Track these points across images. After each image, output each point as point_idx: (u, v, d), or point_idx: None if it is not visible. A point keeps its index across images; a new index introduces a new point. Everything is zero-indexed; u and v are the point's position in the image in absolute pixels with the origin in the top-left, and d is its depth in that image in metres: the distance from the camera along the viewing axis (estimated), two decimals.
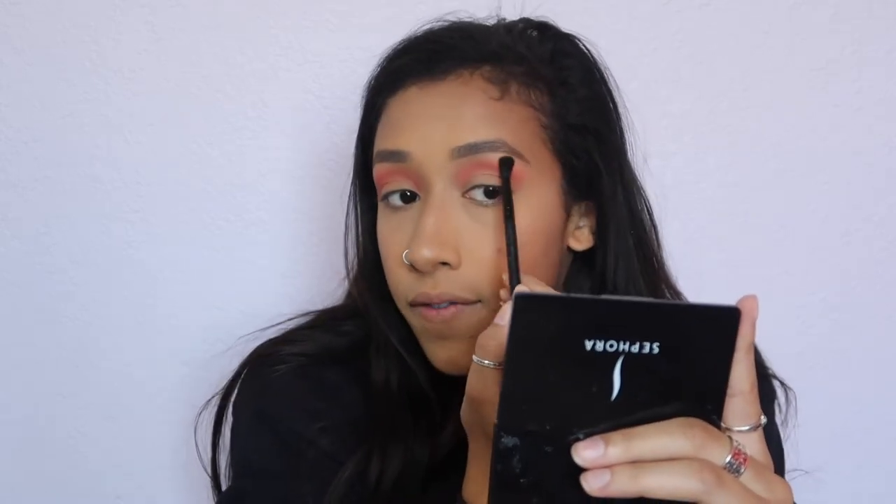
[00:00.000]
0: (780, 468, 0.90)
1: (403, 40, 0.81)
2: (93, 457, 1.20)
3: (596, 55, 0.83)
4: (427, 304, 0.76)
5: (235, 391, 0.87)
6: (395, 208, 0.78)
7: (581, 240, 0.81)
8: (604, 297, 0.50)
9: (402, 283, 0.78)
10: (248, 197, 1.16)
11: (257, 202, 1.17)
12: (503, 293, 0.72)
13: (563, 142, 0.77)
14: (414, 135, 0.75)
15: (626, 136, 0.84)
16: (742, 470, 0.53)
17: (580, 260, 0.83)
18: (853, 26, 1.17)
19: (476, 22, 0.82)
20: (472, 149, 0.73)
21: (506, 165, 0.73)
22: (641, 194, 0.84)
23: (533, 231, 0.74)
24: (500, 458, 0.52)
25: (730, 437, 0.53)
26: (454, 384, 0.79)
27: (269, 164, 1.16)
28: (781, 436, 0.93)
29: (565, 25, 0.83)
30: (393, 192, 0.77)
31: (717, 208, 1.19)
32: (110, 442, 1.20)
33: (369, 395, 0.84)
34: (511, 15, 0.85)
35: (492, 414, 0.52)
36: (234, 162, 1.16)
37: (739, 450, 0.53)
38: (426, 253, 0.73)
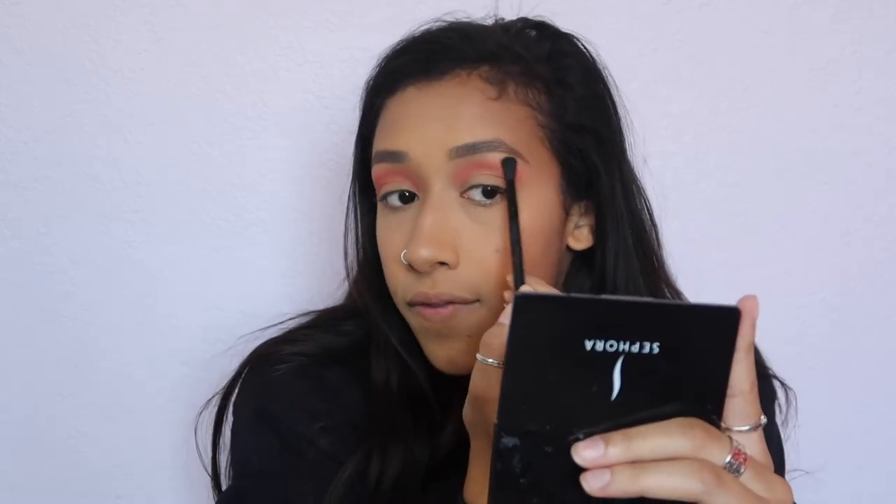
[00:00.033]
0: (780, 468, 0.90)
1: (401, 41, 0.81)
2: (93, 457, 1.20)
3: (594, 54, 0.83)
4: (425, 304, 0.76)
5: (236, 391, 0.87)
6: (394, 208, 0.78)
7: (580, 239, 0.81)
8: (604, 296, 0.50)
9: (400, 283, 0.78)
10: (248, 197, 1.16)
11: (257, 202, 1.17)
12: (507, 294, 0.72)
13: (561, 141, 0.77)
14: (412, 135, 0.75)
15: (626, 136, 0.84)
16: (742, 470, 0.53)
17: (580, 259, 0.83)
18: (853, 26, 1.17)
19: (474, 22, 0.82)
20: (469, 149, 0.73)
21: (509, 166, 0.73)
22: (641, 193, 0.84)
23: (532, 230, 0.74)
24: (500, 457, 0.52)
25: (730, 437, 0.53)
26: (454, 384, 0.79)
27: (269, 164, 1.16)
28: (782, 436, 0.93)
29: (565, 25, 0.83)
30: (391, 193, 0.78)
31: (717, 208, 1.19)
32: (110, 442, 1.20)
33: (369, 395, 0.84)
34: (511, 15, 0.85)
35: (495, 413, 0.52)
36: (234, 162, 1.16)
37: (739, 450, 0.53)
38: (424, 253, 0.73)
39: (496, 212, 0.74)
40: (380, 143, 0.78)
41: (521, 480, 0.52)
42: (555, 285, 0.80)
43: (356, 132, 0.84)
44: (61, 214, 1.16)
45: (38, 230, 1.16)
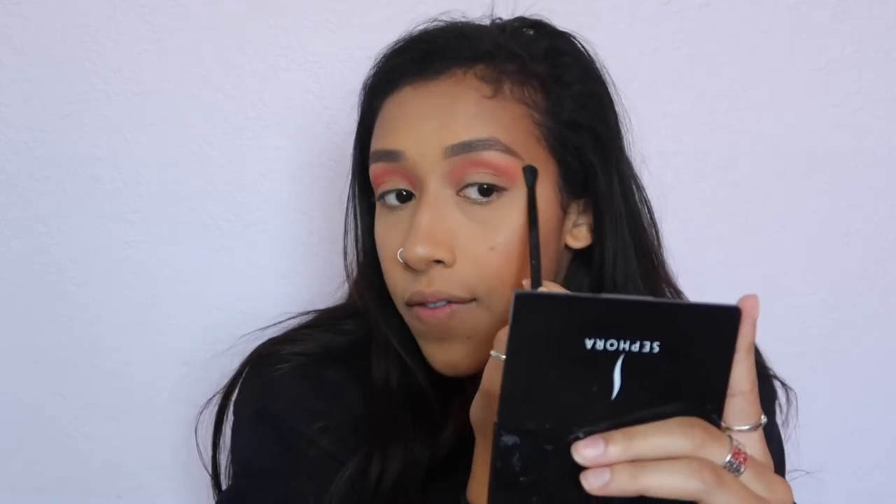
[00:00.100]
0: (780, 468, 0.90)
1: (398, 41, 0.81)
2: (93, 457, 1.20)
3: (592, 53, 0.83)
4: (422, 304, 0.76)
5: (236, 390, 0.87)
6: (391, 208, 0.78)
7: (579, 237, 0.81)
8: (604, 296, 0.50)
9: (398, 283, 0.78)
10: (248, 197, 1.16)
11: (257, 202, 1.17)
12: None
13: (557, 139, 0.77)
14: (408, 134, 0.75)
15: (624, 134, 0.84)
16: (742, 469, 0.53)
17: (579, 258, 0.83)
18: (853, 26, 1.17)
19: (471, 22, 0.83)
20: (465, 147, 0.73)
21: (530, 174, 0.73)
22: (640, 192, 0.84)
23: (527, 227, 0.74)
24: (499, 456, 0.52)
25: (730, 437, 0.53)
26: (454, 384, 0.79)
27: (269, 164, 1.16)
28: (782, 436, 0.93)
29: (566, 25, 0.83)
30: (389, 192, 0.78)
31: (717, 208, 1.19)
32: (110, 442, 1.20)
33: (369, 395, 0.84)
34: (511, 14, 0.85)
35: None
36: (234, 162, 1.16)
37: (739, 449, 0.53)
38: (420, 251, 0.73)
39: (492, 210, 0.74)
40: (377, 143, 0.78)
41: (521, 479, 0.52)
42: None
43: (355, 132, 0.84)
44: (61, 214, 1.16)
45: (38, 230, 1.16)
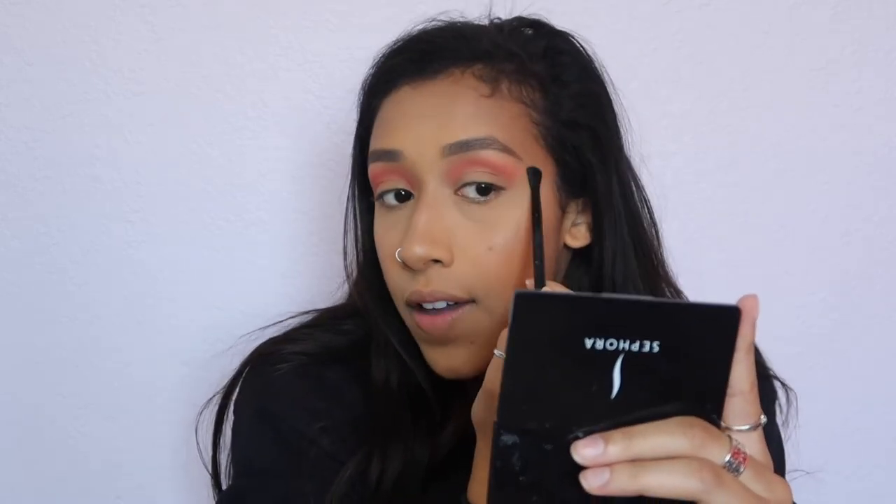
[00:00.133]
0: (780, 469, 0.90)
1: (397, 41, 0.81)
2: (93, 457, 1.20)
3: (591, 52, 0.83)
4: (420, 306, 0.77)
5: (237, 390, 0.88)
6: (390, 207, 0.78)
7: (578, 237, 0.81)
8: (604, 295, 0.50)
9: (397, 282, 0.78)
10: (248, 197, 1.16)
11: (257, 202, 1.17)
12: None
13: (555, 138, 0.77)
14: (406, 134, 0.76)
15: (623, 133, 0.84)
16: (741, 469, 0.53)
17: (578, 257, 0.83)
18: (853, 26, 1.17)
19: (469, 21, 0.83)
20: (462, 146, 0.74)
21: (534, 176, 0.73)
22: (639, 191, 0.84)
23: (526, 227, 0.74)
24: (499, 455, 0.52)
25: (729, 437, 0.53)
26: (454, 384, 0.79)
27: (269, 164, 1.16)
28: (782, 436, 0.93)
29: (565, 25, 0.83)
30: (388, 192, 0.78)
31: (717, 208, 1.19)
32: (110, 442, 1.20)
33: (370, 395, 0.84)
34: (509, 14, 0.85)
35: None
36: (234, 162, 1.16)
37: (739, 449, 0.53)
38: (417, 250, 0.73)
39: (490, 209, 0.74)
40: (375, 143, 0.78)
41: (521, 478, 0.52)
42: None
43: (354, 132, 0.84)
44: (61, 214, 1.16)
45: (38, 230, 1.16)
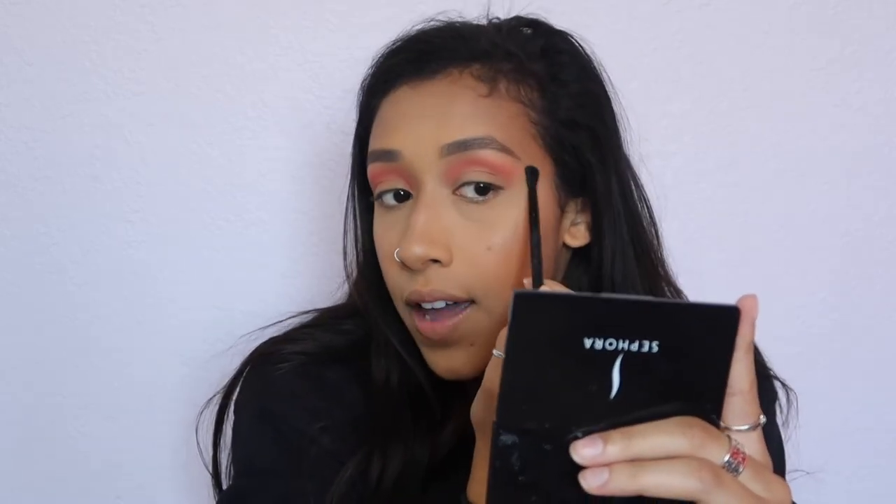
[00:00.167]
0: (781, 469, 0.90)
1: (395, 41, 0.81)
2: (93, 457, 1.20)
3: (589, 51, 0.83)
4: (420, 306, 0.77)
5: (237, 390, 0.88)
6: (389, 207, 0.78)
7: (577, 236, 0.81)
8: (603, 295, 0.50)
9: (396, 282, 0.78)
10: (248, 197, 1.16)
11: (257, 202, 1.17)
12: None
13: (554, 137, 0.77)
14: (404, 134, 0.76)
15: (622, 133, 0.84)
16: (741, 469, 0.53)
17: (578, 256, 0.83)
18: (853, 26, 1.17)
19: (468, 21, 0.83)
20: (460, 146, 0.74)
21: (532, 175, 0.73)
22: (639, 190, 0.84)
23: (525, 227, 0.74)
24: (498, 455, 0.52)
25: (729, 437, 0.53)
26: (455, 384, 0.79)
27: (269, 164, 1.16)
28: (782, 436, 0.93)
29: (564, 25, 0.83)
30: (386, 192, 0.78)
31: (717, 208, 1.19)
32: (110, 442, 1.20)
33: (370, 395, 0.84)
34: (510, 13, 0.85)
35: None
36: (234, 162, 1.16)
37: (738, 449, 0.53)
38: (416, 250, 0.73)
39: (489, 209, 0.75)
40: (374, 143, 0.78)
41: (520, 478, 0.52)
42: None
43: (354, 132, 0.84)
44: (61, 214, 1.16)
45: (38, 230, 1.16)
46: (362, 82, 0.83)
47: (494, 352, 0.63)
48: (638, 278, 0.81)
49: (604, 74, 0.83)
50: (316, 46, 1.15)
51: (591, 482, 0.50)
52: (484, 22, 0.83)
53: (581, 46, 0.82)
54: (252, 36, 1.14)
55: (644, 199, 0.85)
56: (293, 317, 0.91)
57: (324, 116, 1.15)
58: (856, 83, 1.18)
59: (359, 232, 0.87)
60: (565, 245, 0.81)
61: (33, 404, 1.19)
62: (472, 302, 0.76)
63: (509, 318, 0.49)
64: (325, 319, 0.91)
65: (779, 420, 0.94)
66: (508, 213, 0.74)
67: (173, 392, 1.18)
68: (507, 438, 0.51)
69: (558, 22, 0.83)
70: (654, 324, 0.50)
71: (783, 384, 0.94)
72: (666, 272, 0.87)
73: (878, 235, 1.21)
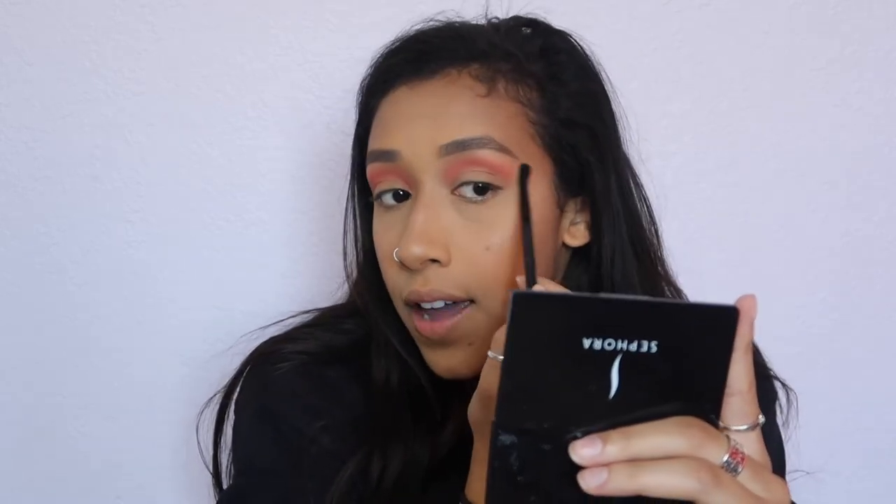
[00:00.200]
0: (781, 469, 0.90)
1: (394, 41, 0.82)
2: (93, 457, 1.20)
3: (588, 51, 0.83)
4: (419, 306, 0.77)
5: (237, 389, 0.88)
6: (388, 207, 0.78)
7: (577, 235, 0.81)
8: (602, 295, 0.50)
9: (395, 282, 0.78)
10: (248, 197, 1.16)
11: (257, 202, 1.17)
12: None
13: (553, 137, 0.77)
14: (403, 134, 0.76)
15: (622, 132, 0.84)
16: (739, 469, 0.53)
17: (578, 256, 0.83)
18: (853, 26, 1.17)
19: (467, 21, 0.83)
20: (459, 146, 0.74)
21: (524, 173, 0.73)
22: (638, 190, 0.84)
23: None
24: (497, 455, 0.52)
25: (727, 437, 0.53)
26: (455, 384, 0.79)
27: (269, 164, 1.16)
28: (783, 436, 0.93)
29: (565, 25, 0.83)
30: (386, 192, 0.78)
31: (717, 208, 1.19)
32: (110, 442, 1.20)
33: (370, 394, 0.84)
34: (507, 14, 0.85)
35: None
36: (234, 162, 1.16)
37: (737, 449, 0.53)
38: (415, 250, 0.73)
39: (487, 209, 0.75)
40: (373, 143, 0.79)
41: (519, 478, 0.52)
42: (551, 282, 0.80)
43: (353, 132, 0.84)
44: (61, 214, 1.16)
45: (38, 230, 1.16)
46: (361, 82, 0.83)
47: (490, 353, 0.63)
48: (637, 277, 0.81)
49: (603, 74, 0.83)
50: (316, 46, 1.15)
51: (589, 482, 0.50)
52: (483, 22, 0.83)
53: (580, 46, 0.82)
54: (252, 36, 1.14)
55: (644, 199, 0.85)
56: (294, 316, 0.92)
57: (324, 116, 1.15)
58: (856, 83, 1.18)
59: (359, 232, 0.87)
60: (565, 245, 0.81)
61: (33, 404, 1.19)
62: (470, 301, 0.76)
63: (508, 319, 0.49)
64: (325, 319, 0.91)
65: (779, 420, 0.94)
66: (507, 212, 0.74)
67: (173, 392, 1.18)
68: (506, 438, 0.51)
69: (558, 22, 0.83)
70: (653, 324, 0.50)
71: (783, 384, 0.94)
72: (666, 271, 0.87)
73: (878, 235, 1.21)
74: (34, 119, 1.14)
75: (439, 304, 0.76)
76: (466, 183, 0.74)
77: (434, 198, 0.75)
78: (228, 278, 1.17)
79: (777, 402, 0.94)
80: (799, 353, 1.20)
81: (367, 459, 0.79)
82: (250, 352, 0.88)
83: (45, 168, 1.15)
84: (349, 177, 0.86)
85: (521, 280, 0.70)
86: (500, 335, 0.63)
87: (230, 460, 0.89)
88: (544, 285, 0.68)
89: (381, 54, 0.82)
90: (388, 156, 0.76)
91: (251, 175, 1.16)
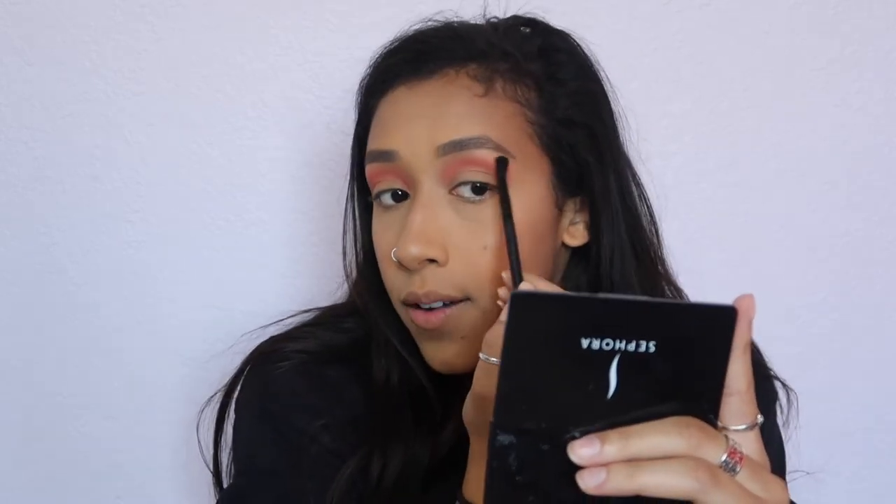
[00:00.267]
0: (781, 469, 0.90)
1: (393, 41, 0.82)
2: (93, 457, 1.20)
3: (587, 50, 0.83)
4: (416, 305, 0.77)
5: (238, 388, 0.88)
6: (387, 207, 0.79)
7: (576, 235, 0.81)
8: (600, 295, 0.50)
9: (393, 282, 0.78)
10: (248, 197, 1.16)
11: (257, 202, 1.17)
12: (503, 292, 0.72)
13: (551, 137, 0.77)
14: (401, 134, 0.76)
15: (622, 132, 0.84)
16: (738, 469, 0.52)
17: (577, 256, 0.83)
18: (853, 26, 1.17)
19: (465, 21, 0.83)
20: (456, 146, 0.74)
21: (502, 165, 0.73)
22: (638, 189, 0.84)
23: (522, 226, 0.73)
24: (495, 455, 0.52)
25: (726, 436, 0.53)
26: (455, 383, 0.79)
27: (269, 164, 1.16)
28: (783, 437, 0.93)
29: (565, 25, 0.83)
30: (384, 192, 0.78)
31: (717, 208, 1.19)
32: (110, 442, 1.20)
33: (370, 394, 0.84)
34: (506, 13, 0.85)
35: None
36: (234, 162, 1.16)
37: (735, 449, 0.53)
38: (413, 250, 0.74)
39: (485, 209, 0.75)
40: (372, 143, 0.79)
41: (517, 478, 0.52)
42: (550, 281, 0.80)
43: (353, 132, 0.84)
44: (61, 214, 1.16)
45: (38, 230, 1.16)
46: (360, 82, 0.83)
47: (481, 355, 0.63)
48: (636, 277, 0.81)
49: (602, 73, 0.83)
50: (316, 46, 1.15)
51: (588, 482, 0.50)
52: (481, 21, 0.83)
53: (579, 45, 0.82)
54: (252, 36, 1.14)
55: (644, 198, 0.85)
56: (294, 315, 0.92)
57: (324, 116, 1.15)
58: (856, 83, 1.18)
59: (358, 232, 0.87)
60: (564, 244, 0.81)
61: (33, 404, 1.19)
62: (466, 299, 0.76)
63: (506, 318, 0.49)
64: (326, 318, 0.91)
65: (779, 420, 0.93)
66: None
67: (173, 392, 1.18)
68: (505, 438, 0.51)
69: (558, 22, 0.83)
70: (651, 324, 0.50)
71: (783, 384, 0.94)
72: (666, 271, 0.87)
73: (878, 235, 1.21)
74: (34, 119, 1.14)
75: (437, 304, 0.76)
76: (464, 183, 0.74)
77: (432, 198, 0.75)
78: (228, 278, 1.17)
79: (777, 402, 0.94)
80: (799, 353, 1.20)
81: (368, 459, 0.79)
82: (250, 351, 0.88)
83: (45, 168, 1.15)
84: (349, 177, 0.86)
85: (506, 276, 0.70)
86: (492, 337, 0.64)
87: (230, 460, 0.89)
88: (531, 281, 0.68)
89: (380, 54, 0.82)
90: (386, 156, 0.76)
91: (251, 175, 1.16)
